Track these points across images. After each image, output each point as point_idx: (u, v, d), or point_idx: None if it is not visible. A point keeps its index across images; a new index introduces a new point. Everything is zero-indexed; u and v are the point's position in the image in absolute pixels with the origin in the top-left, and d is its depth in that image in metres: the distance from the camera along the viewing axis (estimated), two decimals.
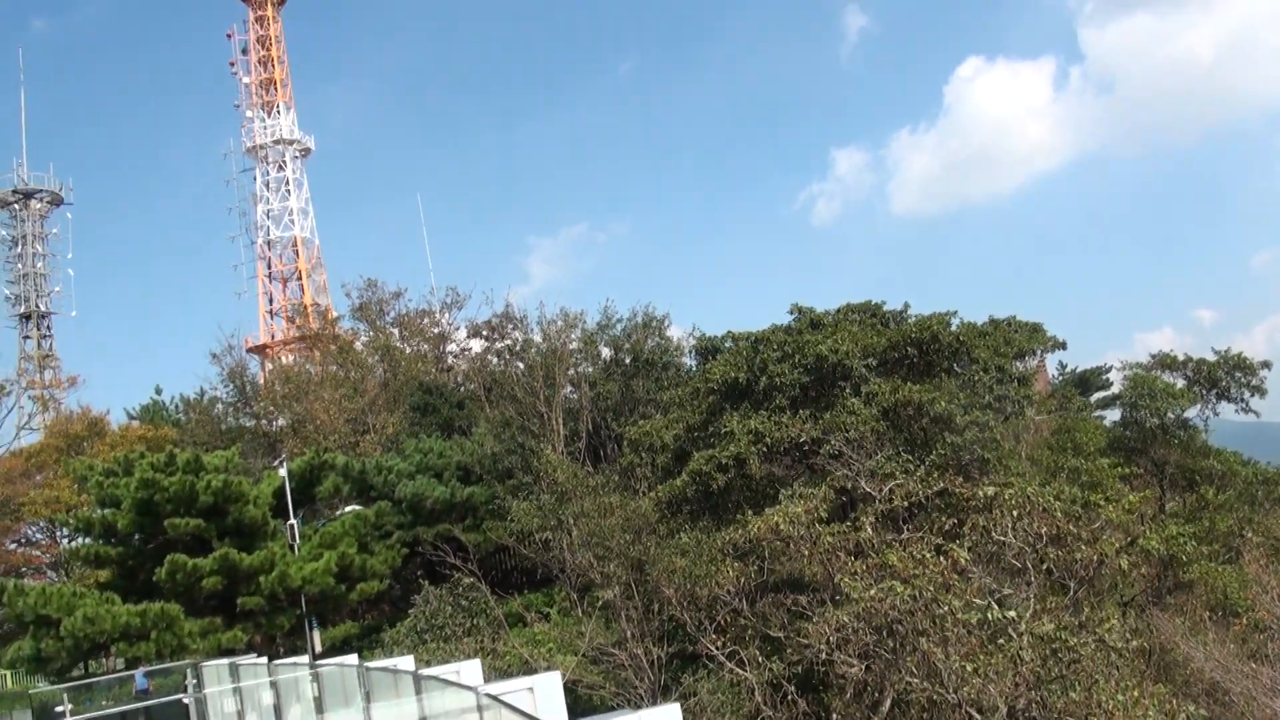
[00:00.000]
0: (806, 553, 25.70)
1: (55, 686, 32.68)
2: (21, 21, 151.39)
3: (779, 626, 25.67)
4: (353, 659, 14.55)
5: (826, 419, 28.61)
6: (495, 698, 9.30)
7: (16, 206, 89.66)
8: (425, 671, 12.22)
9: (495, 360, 50.10)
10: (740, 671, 25.12)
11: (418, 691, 11.42)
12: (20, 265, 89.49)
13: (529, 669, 24.97)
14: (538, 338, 44.30)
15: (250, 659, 18.02)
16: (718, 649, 25.85)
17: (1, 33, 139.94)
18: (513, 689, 10.05)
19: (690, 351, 43.22)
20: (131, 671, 29.88)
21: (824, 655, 22.28)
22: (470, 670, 12.27)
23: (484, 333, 51.33)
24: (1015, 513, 21.36)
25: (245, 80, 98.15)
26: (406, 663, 13.26)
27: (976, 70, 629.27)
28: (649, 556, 28.99)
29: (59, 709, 17.96)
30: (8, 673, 51.23)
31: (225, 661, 16.81)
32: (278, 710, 15.70)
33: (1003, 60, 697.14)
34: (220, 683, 17.07)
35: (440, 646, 28.17)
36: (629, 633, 29.00)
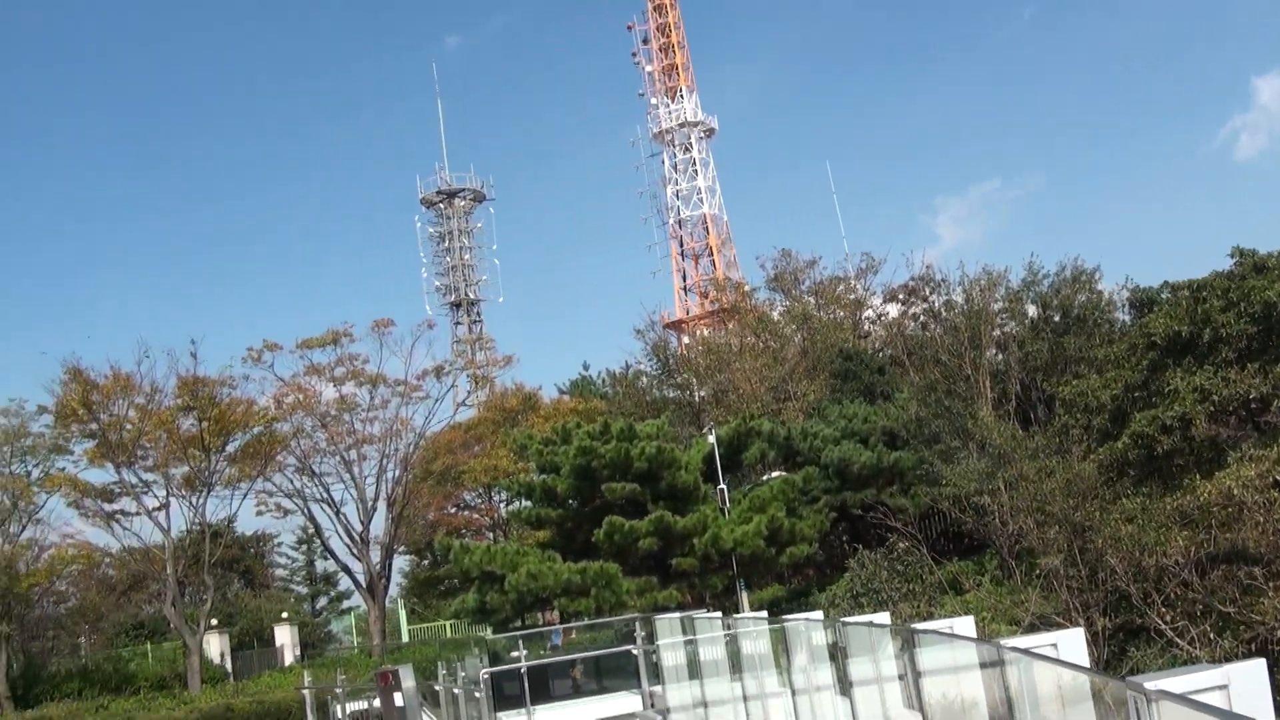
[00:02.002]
0: (1260, 520, 23.77)
1: (497, 635, 34.37)
2: (436, 39, 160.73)
3: (1230, 601, 23.82)
4: (817, 615, 14.37)
5: (1277, 372, 26.17)
6: (1025, 651, 8.70)
7: (441, 206, 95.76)
8: (920, 626, 11.74)
9: (913, 324, 49.14)
10: (1190, 649, 23.44)
11: (912, 645, 10.94)
12: (449, 258, 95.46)
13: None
14: (959, 298, 42.98)
15: (703, 613, 18.12)
16: (1166, 623, 24.25)
17: (418, 52, 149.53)
18: (1037, 644, 9.41)
19: (1123, 305, 40.98)
20: (547, 628, 30.96)
21: None
22: (964, 626, 11.67)
23: (900, 296, 50.45)
24: None
25: (648, 69, 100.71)
26: (882, 619, 12.93)
27: None
28: (1093, 522, 27.52)
29: (513, 654, 18.56)
30: (449, 623, 54.62)
31: (677, 615, 16.86)
32: (734, 662, 15.59)
33: None
34: (672, 635, 17.13)
35: (876, 610, 27.71)
36: (1071, 603, 27.69)
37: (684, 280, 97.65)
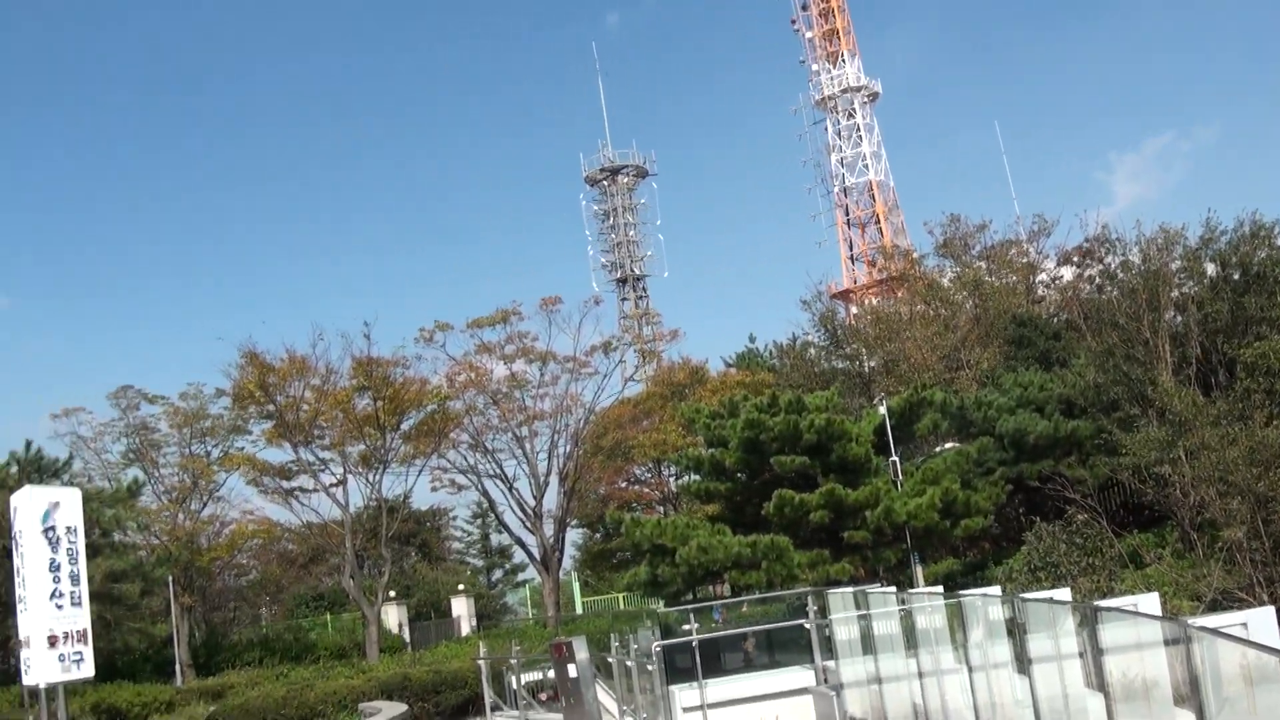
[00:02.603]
0: None
1: (669, 609, 34.54)
2: (596, 17, 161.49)
3: None
4: (995, 590, 14.04)
5: None
6: (1216, 631, 8.37)
7: (605, 183, 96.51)
8: (1103, 603, 11.41)
9: (1088, 287, 47.77)
10: None
11: (1094, 622, 10.61)
12: (613, 235, 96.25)
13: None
14: (1135, 259, 41.55)
15: (877, 587, 17.91)
16: None
17: (579, 30, 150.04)
18: (1226, 623, 9.06)
19: None
20: (712, 603, 30.91)
21: None
22: (1148, 604, 11.31)
23: (1074, 259, 49.04)
24: None
25: (808, 35, 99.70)
26: (1062, 595, 12.59)
27: None
28: (1276, 493, 26.48)
29: (685, 627, 18.62)
30: (621, 595, 55.10)
31: (850, 589, 16.66)
32: (909, 638, 15.34)
33: None
34: (845, 609, 16.95)
35: (1054, 585, 27.04)
36: (1255, 577, 26.72)
37: (850, 249, 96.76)
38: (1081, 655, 11.43)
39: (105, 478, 50.56)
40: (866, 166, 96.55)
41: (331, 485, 49.09)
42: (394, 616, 53.37)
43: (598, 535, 61.12)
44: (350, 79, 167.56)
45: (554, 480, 51.24)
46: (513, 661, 25.13)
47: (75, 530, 13.62)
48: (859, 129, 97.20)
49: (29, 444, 25.56)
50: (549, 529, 51.58)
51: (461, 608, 56.64)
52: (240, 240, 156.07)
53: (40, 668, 12.93)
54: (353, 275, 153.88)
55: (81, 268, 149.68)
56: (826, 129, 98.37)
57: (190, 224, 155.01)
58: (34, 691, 13.82)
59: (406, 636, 52.82)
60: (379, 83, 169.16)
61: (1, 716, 24.11)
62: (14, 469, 24.81)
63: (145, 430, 54.89)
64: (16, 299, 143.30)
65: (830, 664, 17.18)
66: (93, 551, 14.91)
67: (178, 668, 47.43)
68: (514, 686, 25.01)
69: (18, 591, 13.41)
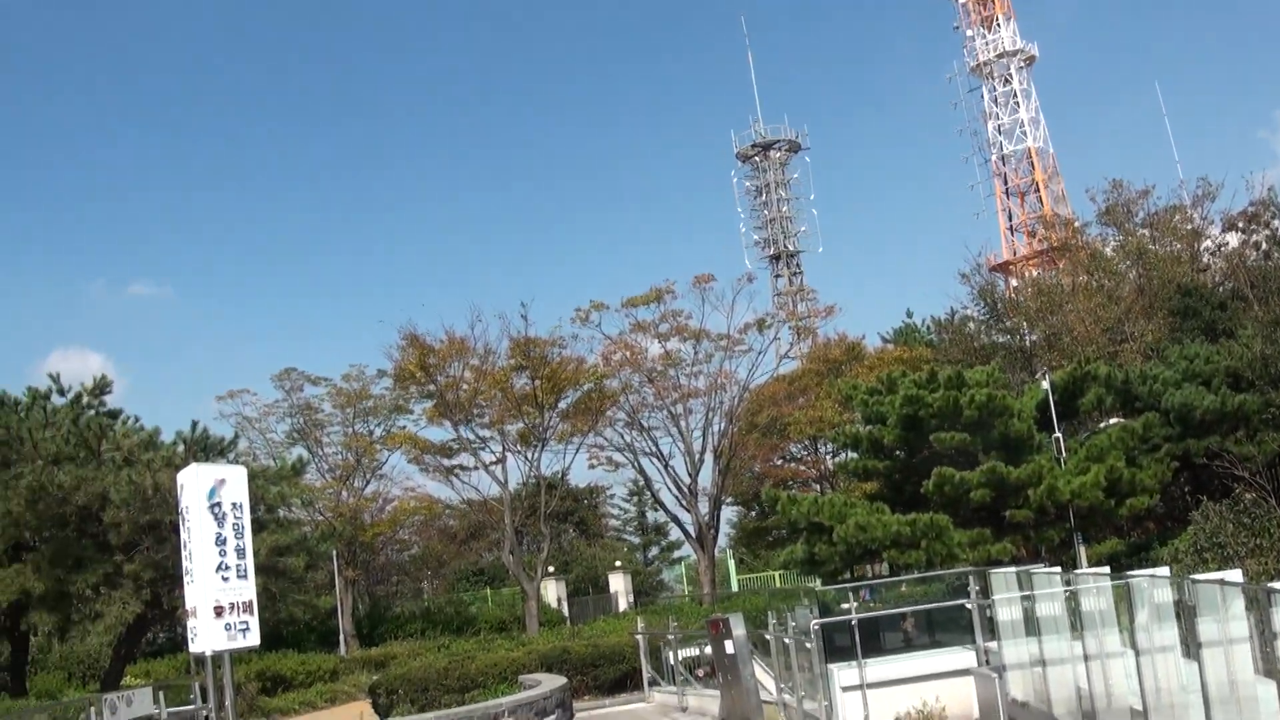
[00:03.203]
0: None
1: (826, 586, 34.36)
2: None
3: None
4: (1163, 571, 13.72)
5: None
6: None
7: (757, 159, 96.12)
8: (1277, 585, 11.03)
9: (1254, 254, 46.14)
10: None
11: (1268, 605, 10.28)
12: (766, 211, 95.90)
13: None
14: None
15: (1041, 567, 17.56)
16: None
17: (726, 7, 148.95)
18: None
19: None
20: (862, 583, 30.58)
21: None
22: None
23: (1240, 224, 47.31)
24: None
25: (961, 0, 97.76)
26: (1234, 576, 12.20)
27: None
28: None
29: (843, 605, 18.52)
30: (777, 573, 55.05)
31: (1013, 569, 16.39)
32: (1074, 620, 15.04)
33: None
34: (1008, 589, 16.68)
35: (1221, 567, 26.20)
36: None
37: (1009, 220, 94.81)
38: (1250, 640, 11.11)
39: (270, 456, 52.22)
40: (1024, 133, 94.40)
41: (491, 463, 50.06)
42: (553, 591, 54.15)
43: (753, 513, 61.11)
44: (500, 57, 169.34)
45: (709, 458, 51.45)
46: (670, 637, 25.30)
47: (241, 506, 14.12)
48: (1016, 95, 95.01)
49: (195, 424, 26.43)
50: (704, 506, 51.79)
51: (619, 584, 57.23)
52: (399, 222, 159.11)
53: (206, 636, 13.46)
54: (509, 257, 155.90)
55: (242, 255, 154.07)
56: (982, 96, 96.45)
57: (349, 208, 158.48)
58: (200, 659, 14.37)
59: (565, 611, 53.57)
60: (530, 61, 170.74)
61: (168, 682, 25.04)
62: (180, 448, 25.68)
63: (309, 410, 56.64)
64: (181, 288, 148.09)
65: (992, 645, 16.95)
66: (259, 527, 15.43)
67: (341, 638, 48.90)
68: (671, 662, 25.18)
69: (185, 564, 13.95)
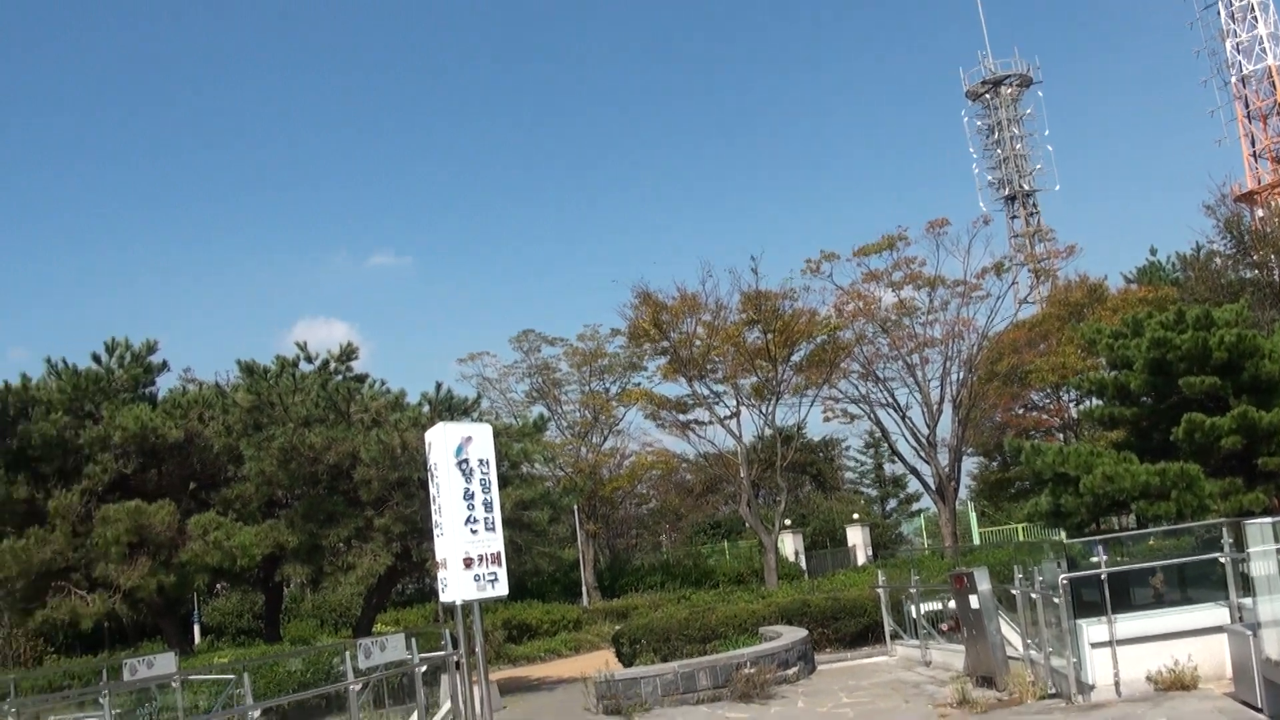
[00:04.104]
0: None
1: (1073, 540, 33.44)
2: None
3: None
4: None
5: None
6: None
7: (988, 96, 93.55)
8: None
9: None
10: None
11: None
12: (999, 151, 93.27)
13: None
14: None
15: None
16: None
17: None
18: None
19: None
20: (1112, 535, 29.59)
21: None
22: None
23: None
24: None
25: None
26: None
27: None
28: None
29: (1092, 559, 18.04)
30: (1020, 525, 53.90)
31: (1269, 520, 15.67)
32: None
33: None
34: (1263, 542, 15.99)
35: None
36: None
37: (1252, 145, 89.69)
38: None
39: (511, 415, 53.62)
40: (1265, 50, 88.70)
41: (726, 417, 50.37)
42: (790, 545, 54.31)
43: (994, 464, 60.06)
44: (724, 2, 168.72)
45: (947, 408, 50.66)
46: (912, 591, 25.09)
47: (487, 462, 14.59)
48: (1254, 8, 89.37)
49: (439, 385, 27.43)
50: (944, 458, 51.09)
51: (856, 537, 57.01)
52: (627, 180, 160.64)
53: (457, 586, 13.99)
54: (737, 211, 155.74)
55: (477, 223, 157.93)
56: (1219, 12, 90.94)
57: (580, 169, 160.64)
58: (448, 608, 14.93)
59: (802, 564, 53.69)
60: (753, 7, 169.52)
61: (419, 629, 26.09)
62: (426, 409, 26.66)
63: (546, 370, 58.15)
64: (422, 256, 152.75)
65: (1246, 602, 16.29)
66: (503, 482, 15.92)
67: (584, 589, 50.16)
68: (913, 616, 24.96)
69: (434, 518, 14.50)
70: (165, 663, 16.89)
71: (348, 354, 28.85)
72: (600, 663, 24.20)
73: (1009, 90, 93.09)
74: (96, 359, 28.42)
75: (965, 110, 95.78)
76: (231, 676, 17.99)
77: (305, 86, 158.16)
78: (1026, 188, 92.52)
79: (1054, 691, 16.57)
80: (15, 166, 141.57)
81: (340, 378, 28.22)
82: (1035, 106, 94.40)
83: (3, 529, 24.83)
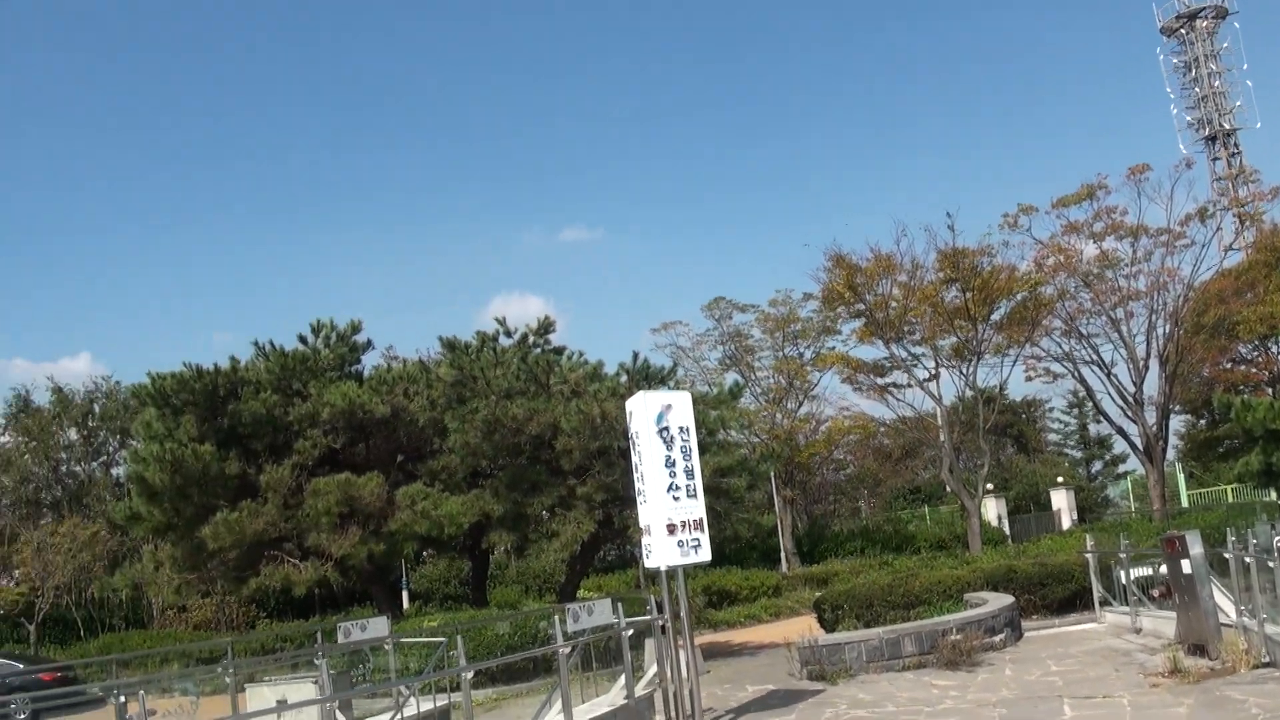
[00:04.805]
0: None
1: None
2: None
3: None
4: None
5: None
6: None
7: (1182, 31, 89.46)
8: None
9: None
10: None
11: None
12: (1197, 89, 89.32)
13: None
14: None
15: None
16: None
17: None
18: None
19: None
20: None
21: None
22: None
23: None
24: None
25: None
26: None
27: None
28: None
29: None
30: (1230, 487, 51.96)
31: None
32: None
33: None
34: None
35: None
36: None
37: None
38: None
39: (705, 383, 53.79)
40: None
41: (925, 379, 49.67)
42: (992, 509, 53.38)
43: (1201, 422, 58.02)
44: None
45: (1154, 364, 49.15)
46: (1121, 556, 24.41)
47: (687, 430, 14.73)
48: None
49: (635, 355, 27.71)
50: (1150, 416, 49.58)
51: (1061, 500, 55.75)
52: (813, 142, 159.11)
53: (660, 553, 14.17)
54: (931, 167, 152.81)
55: (666, 195, 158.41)
56: None
57: (766, 134, 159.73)
58: (650, 574, 15.10)
59: (1005, 529, 52.76)
60: None
61: (622, 595, 26.43)
62: (623, 379, 26.98)
63: (739, 337, 58.17)
64: (612, 229, 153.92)
65: None
66: (701, 450, 16.01)
67: (782, 555, 50.16)
68: (1123, 582, 24.27)
69: (637, 486, 14.68)
70: (378, 626, 17.45)
71: (545, 327, 29.41)
72: (801, 629, 24.17)
73: (1204, 23, 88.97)
74: (303, 340, 29.65)
75: (1160, 47, 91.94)
76: (442, 640, 18.50)
77: (505, 86, 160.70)
78: (1227, 127, 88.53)
79: (1268, 660, 15.93)
80: (230, 159, 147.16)
81: (539, 350, 28.76)
82: (1232, 39, 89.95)
83: (217, 503, 26.06)
